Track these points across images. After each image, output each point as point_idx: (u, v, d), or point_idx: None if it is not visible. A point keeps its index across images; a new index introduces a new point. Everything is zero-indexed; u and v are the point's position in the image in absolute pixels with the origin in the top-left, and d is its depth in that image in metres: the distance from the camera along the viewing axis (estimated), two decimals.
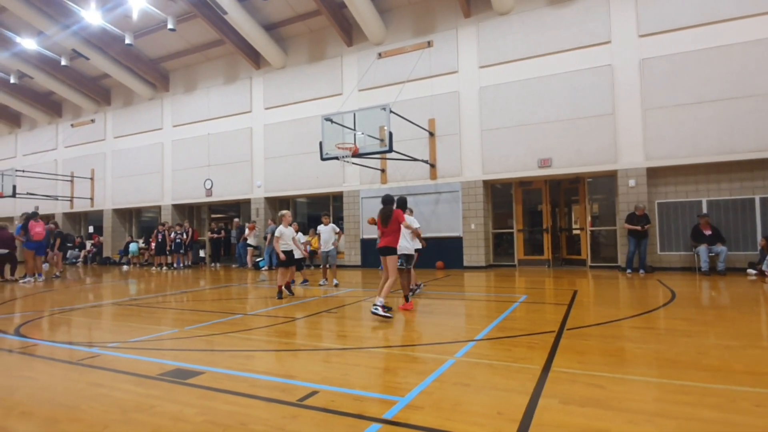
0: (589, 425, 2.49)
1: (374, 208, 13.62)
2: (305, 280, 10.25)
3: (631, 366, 3.68)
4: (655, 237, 11.19)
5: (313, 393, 3.07)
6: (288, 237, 7.93)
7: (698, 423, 2.49)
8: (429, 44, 13.63)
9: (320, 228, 9.81)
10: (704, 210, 10.71)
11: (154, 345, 4.67)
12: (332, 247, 9.65)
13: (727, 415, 2.59)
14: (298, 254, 8.14)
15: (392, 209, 6.12)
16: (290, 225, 8.06)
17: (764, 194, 10.29)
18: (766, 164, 10.23)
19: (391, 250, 6.07)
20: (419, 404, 2.84)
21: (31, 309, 7.44)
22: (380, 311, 5.57)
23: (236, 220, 16.96)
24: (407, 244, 6.80)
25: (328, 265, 9.75)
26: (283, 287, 7.86)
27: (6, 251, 12.26)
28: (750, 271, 9.85)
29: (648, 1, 11.14)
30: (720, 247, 10.04)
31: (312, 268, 14.54)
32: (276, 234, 7.84)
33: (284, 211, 8.14)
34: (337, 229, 10.00)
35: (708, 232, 10.18)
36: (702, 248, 10.10)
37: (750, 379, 3.19)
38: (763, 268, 9.47)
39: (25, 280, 11.85)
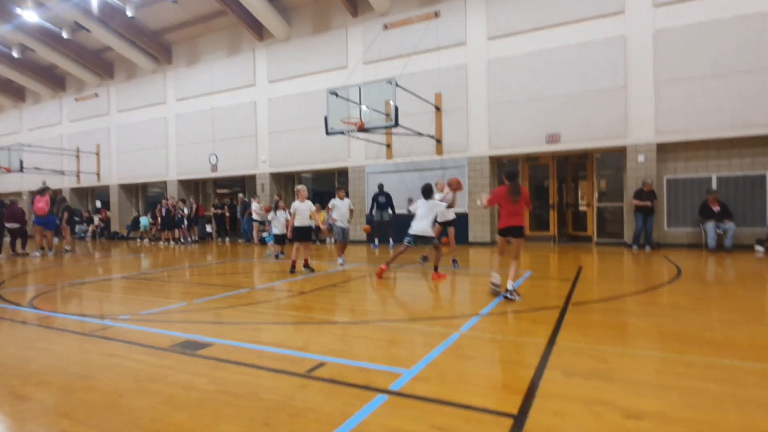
0: (592, 397, 2.53)
1: (379, 182, 13.62)
2: (282, 252, 10.59)
3: (635, 340, 3.71)
4: (663, 213, 11.11)
5: (321, 365, 3.13)
6: (303, 212, 7.93)
7: (701, 396, 2.52)
8: (436, 15, 13.27)
9: (336, 202, 9.30)
10: (714, 186, 10.58)
11: (163, 318, 4.76)
12: (348, 224, 9.32)
13: (730, 388, 2.61)
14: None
15: (520, 185, 5.44)
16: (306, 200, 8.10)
17: None
18: None
19: (523, 231, 5.40)
20: (425, 376, 2.89)
21: (44, 282, 7.58)
22: (516, 296, 5.14)
23: (240, 195, 16.98)
24: (427, 227, 6.93)
25: (343, 241, 9.28)
26: (296, 262, 7.94)
27: (17, 226, 12.41)
28: (757, 247, 9.80)
29: None
30: (728, 224, 9.96)
31: (317, 243, 14.64)
32: (290, 210, 7.86)
33: (300, 186, 8.12)
34: (351, 207, 9.64)
35: (716, 209, 10.09)
36: (710, 225, 10.03)
37: (754, 354, 3.21)
38: None
39: (34, 254, 12.05)
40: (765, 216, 10.16)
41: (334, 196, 9.61)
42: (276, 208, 10.79)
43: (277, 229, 10.40)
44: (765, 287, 5.99)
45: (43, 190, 12.45)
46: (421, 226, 6.91)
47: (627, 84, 11.09)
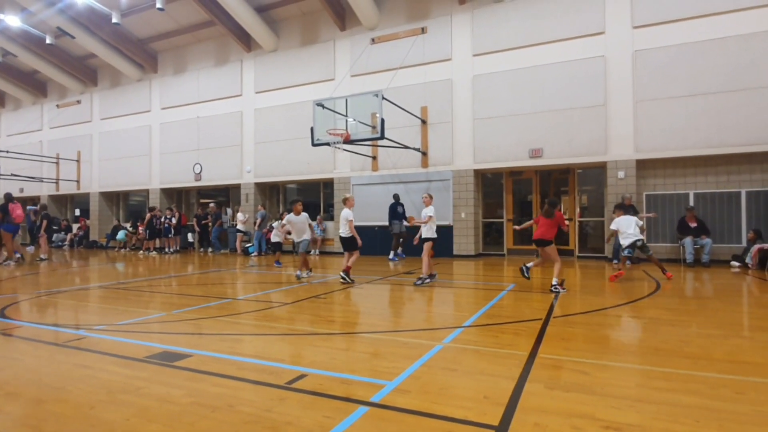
0: (573, 409, 2.53)
1: (364, 195, 13.63)
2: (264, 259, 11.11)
3: (615, 353, 3.74)
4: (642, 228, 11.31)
5: (301, 376, 3.08)
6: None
7: (679, 409, 2.54)
8: (423, 30, 13.49)
9: (291, 218, 8.70)
10: (691, 202, 10.85)
11: (141, 328, 4.64)
12: (304, 238, 8.75)
13: (707, 401, 2.64)
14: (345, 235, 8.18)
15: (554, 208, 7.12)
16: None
17: (750, 188, 10.45)
18: (753, 158, 10.37)
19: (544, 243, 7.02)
20: (406, 388, 2.86)
21: (17, 291, 7.34)
22: (559, 289, 6.60)
23: (212, 205, 16.66)
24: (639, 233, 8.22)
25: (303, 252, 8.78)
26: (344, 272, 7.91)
27: None
28: (733, 263, 10.04)
29: None
30: (705, 240, 10.20)
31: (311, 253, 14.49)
32: (349, 218, 7.92)
33: (349, 195, 8.19)
34: (310, 221, 9.03)
35: (693, 225, 10.34)
36: (687, 240, 10.25)
37: (731, 367, 3.26)
38: (747, 260, 9.66)
39: (7, 262, 11.70)
40: (740, 232, 10.43)
41: (320, 208, 9.39)
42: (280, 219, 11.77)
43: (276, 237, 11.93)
44: (741, 302, 6.13)
45: (10, 197, 12.01)
46: (637, 233, 8.17)
47: (607, 102, 11.37)
